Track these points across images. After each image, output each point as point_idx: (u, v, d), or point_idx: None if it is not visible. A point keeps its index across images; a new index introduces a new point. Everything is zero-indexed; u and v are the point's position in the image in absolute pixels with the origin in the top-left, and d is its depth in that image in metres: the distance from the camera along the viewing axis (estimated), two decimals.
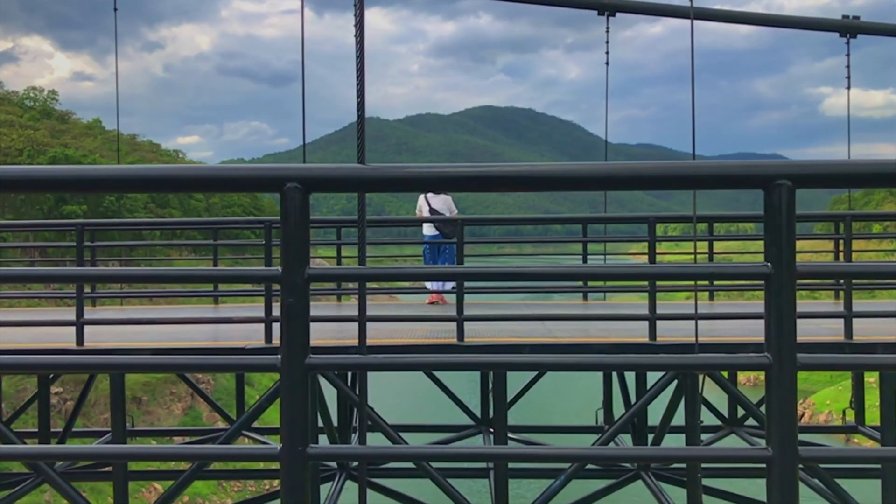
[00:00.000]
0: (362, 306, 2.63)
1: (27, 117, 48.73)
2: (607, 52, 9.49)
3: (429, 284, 9.04)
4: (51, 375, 6.95)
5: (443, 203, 9.15)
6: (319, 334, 5.84)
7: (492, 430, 7.51)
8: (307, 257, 1.56)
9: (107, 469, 6.84)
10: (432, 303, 9.09)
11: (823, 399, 33.61)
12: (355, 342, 6.23)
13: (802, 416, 33.31)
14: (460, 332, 5.94)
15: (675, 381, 6.13)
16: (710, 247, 9.36)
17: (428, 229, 9.04)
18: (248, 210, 56.40)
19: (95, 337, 6.53)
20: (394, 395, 25.66)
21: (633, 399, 7.58)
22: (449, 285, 8.69)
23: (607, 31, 9.37)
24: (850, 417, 8.69)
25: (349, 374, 7.09)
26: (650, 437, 7.27)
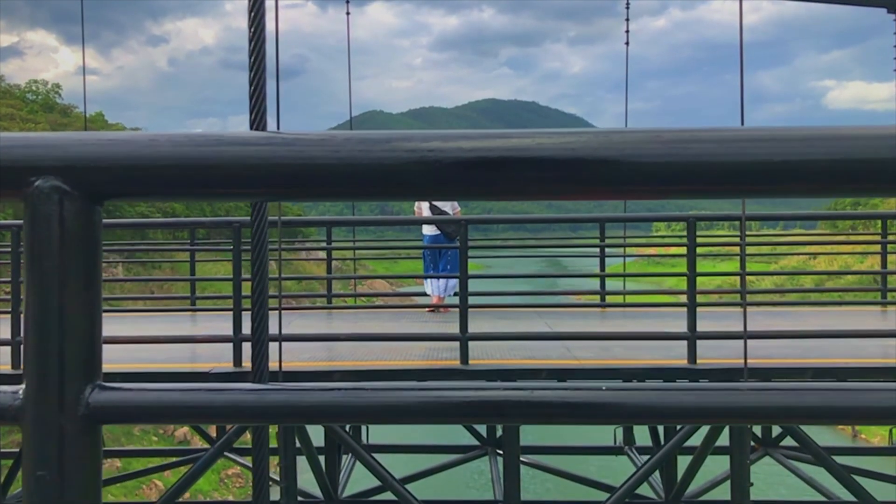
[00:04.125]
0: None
1: (27, 110, 47.69)
2: (627, 31, 8.58)
3: (428, 289, 8.10)
4: None
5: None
6: (294, 354, 4.95)
7: (500, 451, 6.74)
8: (98, 363, 0.65)
9: None
10: (432, 311, 8.04)
11: None
12: (343, 364, 5.36)
13: None
14: (464, 354, 5.06)
15: None
16: (742, 250, 8.42)
17: (428, 230, 8.03)
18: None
19: None
20: None
21: None
22: (451, 289, 7.77)
23: (627, 8, 8.47)
24: None
25: None
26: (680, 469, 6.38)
